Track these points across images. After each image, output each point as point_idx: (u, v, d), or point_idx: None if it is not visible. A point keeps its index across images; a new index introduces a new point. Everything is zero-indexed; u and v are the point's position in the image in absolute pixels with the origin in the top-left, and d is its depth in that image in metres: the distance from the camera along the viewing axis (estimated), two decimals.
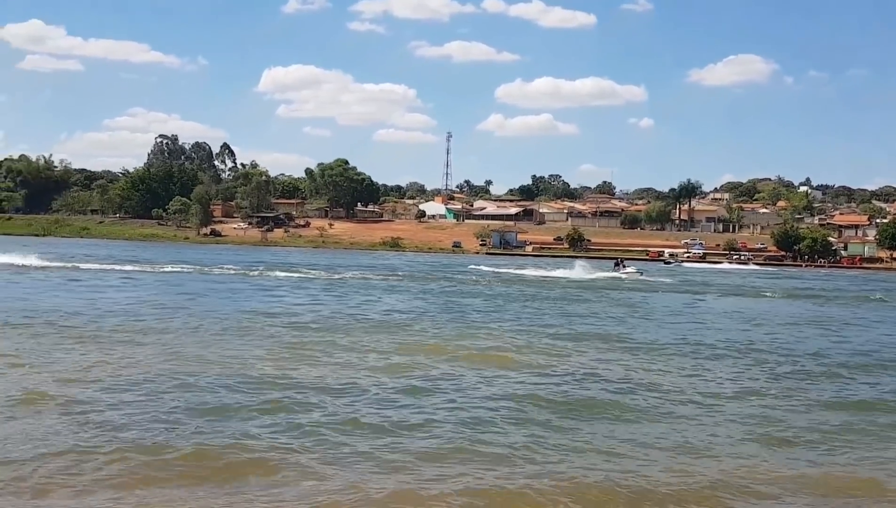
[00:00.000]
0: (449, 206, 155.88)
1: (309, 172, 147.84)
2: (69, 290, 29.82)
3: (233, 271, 46.80)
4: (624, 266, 61.00)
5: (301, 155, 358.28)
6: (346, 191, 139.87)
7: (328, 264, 60.80)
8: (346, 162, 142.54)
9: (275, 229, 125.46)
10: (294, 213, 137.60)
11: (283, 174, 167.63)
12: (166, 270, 45.40)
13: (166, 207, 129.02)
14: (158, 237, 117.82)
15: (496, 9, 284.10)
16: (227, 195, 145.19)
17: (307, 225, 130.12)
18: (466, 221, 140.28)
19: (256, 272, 46.83)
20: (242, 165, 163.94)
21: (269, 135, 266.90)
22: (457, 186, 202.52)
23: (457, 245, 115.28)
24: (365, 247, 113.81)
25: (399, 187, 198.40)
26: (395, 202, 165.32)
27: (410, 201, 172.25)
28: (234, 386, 12.60)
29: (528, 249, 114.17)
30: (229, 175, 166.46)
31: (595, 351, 18.47)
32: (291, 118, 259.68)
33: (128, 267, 45.92)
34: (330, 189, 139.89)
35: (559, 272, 56.72)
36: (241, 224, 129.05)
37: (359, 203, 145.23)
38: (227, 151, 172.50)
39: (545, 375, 14.86)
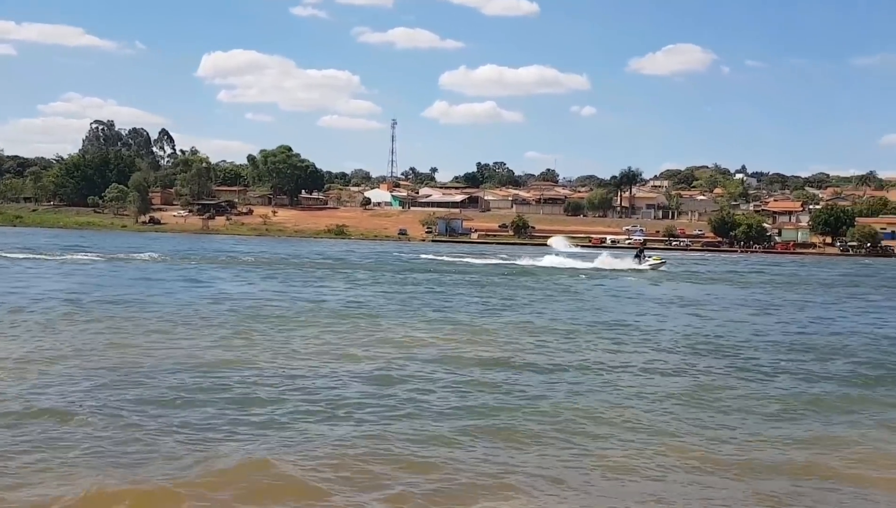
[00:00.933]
0: (394, 193, 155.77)
1: (251, 158, 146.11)
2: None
3: (169, 260, 46.10)
4: (646, 257, 53.49)
5: (243, 142, 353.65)
6: (290, 178, 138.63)
7: (271, 252, 60.37)
8: (290, 149, 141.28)
9: (216, 217, 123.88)
10: (236, 200, 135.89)
11: (224, 161, 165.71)
12: (76, 257, 44.23)
13: (103, 194, 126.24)
14: (95, 225, 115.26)
15: None
16: (167, 183, 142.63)
17: (250, 213, 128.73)
18: (412, 208, 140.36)
19: (195, 261, 46.23)
20: (182, 151, 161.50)
21: (209, 121, 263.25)
22: (402, 174, 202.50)
23: (402, 233, 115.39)
24: (309, 235, 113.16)
25: (344, 175, 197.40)
26: (340, 190, 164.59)
27: (355, 189, 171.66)
28: (174, 374, 12.60)
29: (474, 236, 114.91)
30: (168, 162, 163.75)
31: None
32: (233, 104, 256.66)
33: (69, 255, 45.01)
34: (273, 176, 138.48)
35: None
36: (182, 212, 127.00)
37: (303, 190, 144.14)
38: (165, 137, 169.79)
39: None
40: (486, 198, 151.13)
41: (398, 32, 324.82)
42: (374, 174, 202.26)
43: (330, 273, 40.05)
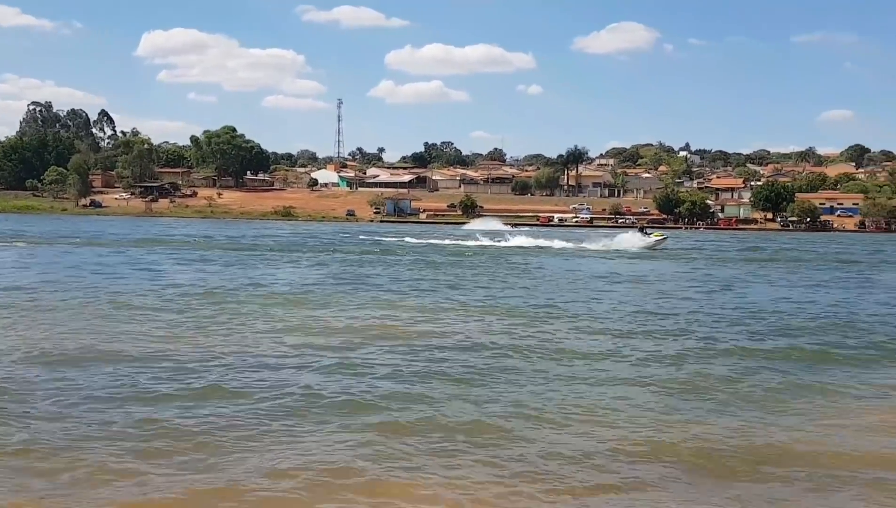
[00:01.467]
0: (342, 174, 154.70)
1: (195, 140, 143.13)
2: None
3: (109, 244, 45.13)
4: (647, 233, 54.47)
5: (186, 122, 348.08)
6: (235, 159, 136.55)
7: (219, 235, 59.52)
8: (234, 129, 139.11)
9: (160, 200, 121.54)
10: (180, 182, 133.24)
11: (167, 142, 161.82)
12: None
13: (42, 177, 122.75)
14: (34, 209, 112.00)
15: None
16: (108, 165, 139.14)
17: (194, 195, 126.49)
18: (360, 189, 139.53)
19: (135, 245, 45.31)
20: (123, 132, 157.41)
21: (150, 102, 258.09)
22: (349, 154, 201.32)
23: (350, 214, 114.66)
24: (256, 217, 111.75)
25: (290, 155, 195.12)
26: (287, 171, 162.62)
27: (302, 170, 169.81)
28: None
29: (423, 216, 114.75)
30: (109, 144, 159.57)
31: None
32: (175, 84, 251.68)
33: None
34: (217, 158, 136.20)
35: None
36: (124, 194, 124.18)
37: (248, 172, 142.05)
38: (105, 118, 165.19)
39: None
40: (433, 178, 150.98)
41: (343, 11, 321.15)
42: (320, 155, 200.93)
43: (276, 256, 39.59)
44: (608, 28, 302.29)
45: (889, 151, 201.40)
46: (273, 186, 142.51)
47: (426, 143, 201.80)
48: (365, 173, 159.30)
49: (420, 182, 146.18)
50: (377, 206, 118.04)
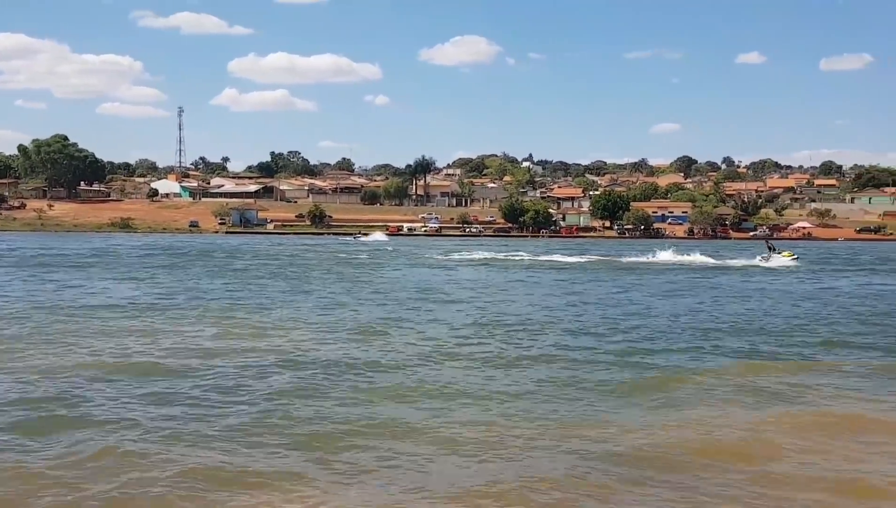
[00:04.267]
0: (184, 184, 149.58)
1: (23, 149, 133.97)
2: None
3: None
4: (775, 250, 49.97)
5: (13, 131, 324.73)
6: (67, 169, 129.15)
7: (42, 248, 56.10)
8: (66, 138, 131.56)
9: None
10: (7, 194, 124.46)
11: None
12: None
13: None
14: None
15: None
16: None
17: (23, 207, 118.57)
18: (203, 199, 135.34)
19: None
20: None
21: None
22: (192, 164, 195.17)
23: (194, 225, 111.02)
24: (91, 229, 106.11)
25: (128, 165, 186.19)
26: (124, 181, 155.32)
27: (141, 180, 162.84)
28: None
29: (270, 226, 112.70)
30: None
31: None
32: (0, 91, 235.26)
33: None
34: (48, 168, 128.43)
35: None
36: None
37: (82, 182, 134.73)
38: None
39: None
40: (281, 187, 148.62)
41: (183, 17, 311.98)
42: (161, 164, 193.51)
43: (104, 269, 37.77)
44: (452, 41, 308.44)
45: (714, 162, 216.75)
46: (109, 196, 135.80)
47: (273, 152, 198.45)
48: (209, 183, 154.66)
49: (267, 192, 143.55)
50: (222, 216, 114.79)
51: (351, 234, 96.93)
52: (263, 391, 11.68)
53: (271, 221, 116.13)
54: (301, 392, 11.68)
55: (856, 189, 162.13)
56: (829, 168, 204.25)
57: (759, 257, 49.91)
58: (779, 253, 49.43)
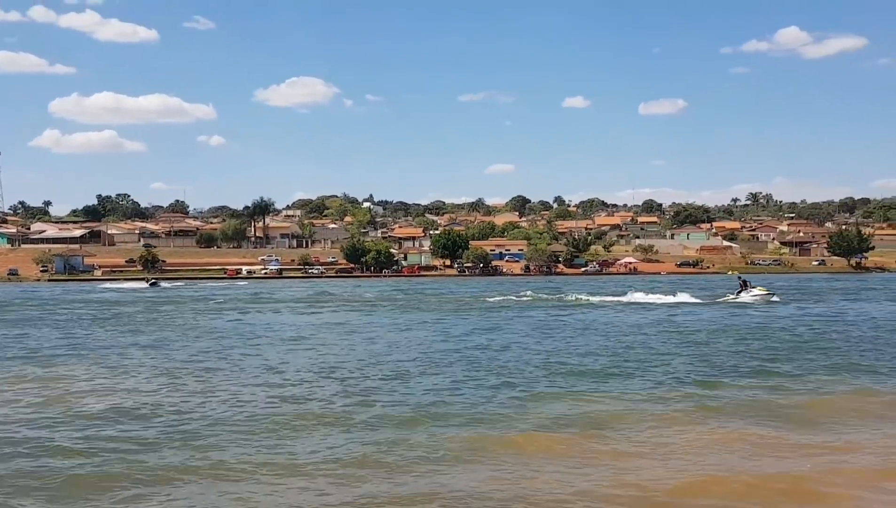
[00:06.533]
0: (1, 230, 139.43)
1: None
2: None
3: None
4: (750, 286, 50.06)
5: None
6: None
7: None
8: None
9: None
10: None
11: None
12: None
13: None
14: None
15: (45, 18, 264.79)
16: None
17: None
18: (23, 245, 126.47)
19: None
20: None
21: None
22: (10, 208, 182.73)
23: (13, 273, 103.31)
24: None
25: None
26: None
27: None
28: None
29: (98, 273, 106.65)
30: None
31: None
32: None
33: None
34: None
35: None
36: None
37: None
38: None
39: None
40: (109, 232, 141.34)
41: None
42: None
43: None
44: (288, 81, 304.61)
45: (546, 201, 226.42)
46: None
47: (99, 195, 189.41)
48: (29, 229, 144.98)
49: (94, 237, 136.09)
50: (44, 263, 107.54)
51: (188, 278, 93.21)
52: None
53: (99, 267, 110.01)
54: None
55: (675, 226, 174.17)
56: (650, 206, 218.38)
57: (730, 296, 49.54)
58: (753, 288, 49.51)
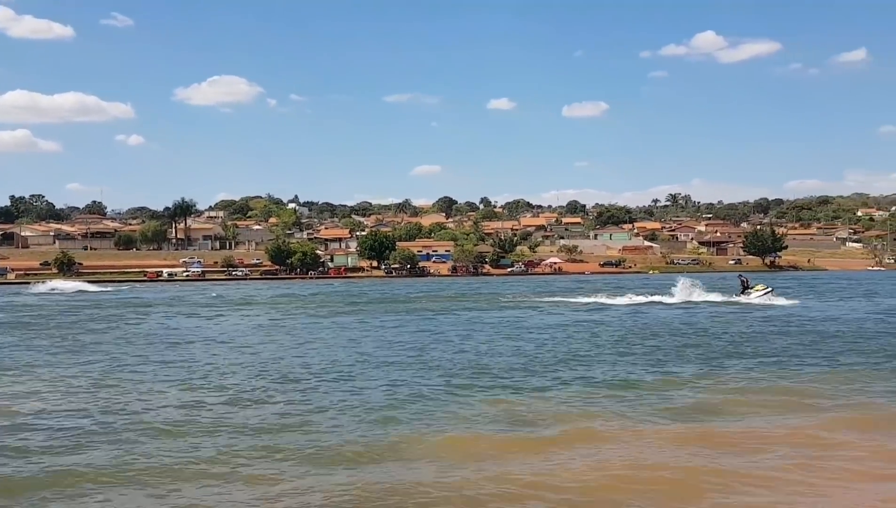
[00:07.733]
0: None
1: None
2: None
3: None
4: (748, 285, 48.69)
5: None
6: None
7: None
8: None
9: None
10: None
11: None
12: None
13: None
14: None
15: None
16: None
17: None
18: None
19: None
20: None
21: None
22: None
23: None
24: None
25: None
26: None
27: None
28: None
29: (11, 276, 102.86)
30: None
31: None
32: None
33: None
34: None
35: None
36: None
37: None
38: None
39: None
40: (23, 234, 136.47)
41: None
42: None
43: None
44: (209, 80, 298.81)
45: (473, 203, 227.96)
46: None
47: (12, 196, 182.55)
48: None
49: (7, 239, 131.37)
50: None
51: (111, 281, 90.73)
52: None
53: (12, 270, 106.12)
54: None
55: (598, 226, 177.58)
56: (574, 207, 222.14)
57: (735, 295, 48.24)
58: (752, 287, 48.53)
